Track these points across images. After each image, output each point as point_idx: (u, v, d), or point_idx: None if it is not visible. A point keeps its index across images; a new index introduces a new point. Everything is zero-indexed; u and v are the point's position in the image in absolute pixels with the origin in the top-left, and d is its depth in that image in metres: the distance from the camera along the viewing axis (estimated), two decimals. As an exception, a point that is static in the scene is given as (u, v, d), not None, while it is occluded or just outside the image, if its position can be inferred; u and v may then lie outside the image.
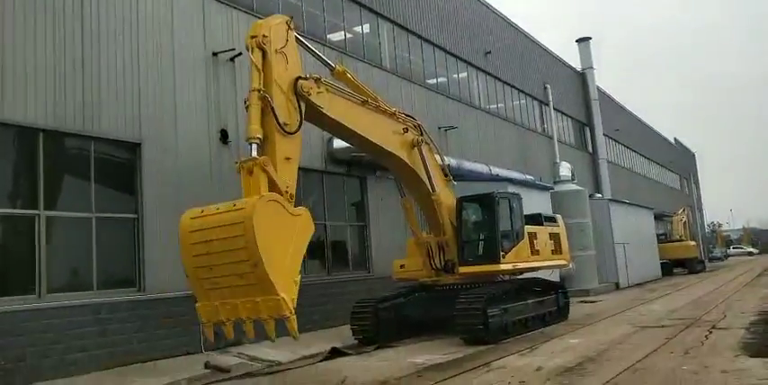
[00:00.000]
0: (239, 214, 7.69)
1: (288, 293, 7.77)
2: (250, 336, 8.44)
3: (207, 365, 10.08)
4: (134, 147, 11.06)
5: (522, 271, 13.98)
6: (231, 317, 8.10)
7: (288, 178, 9.00)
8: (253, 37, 9.26)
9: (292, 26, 9.91)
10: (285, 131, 9.08)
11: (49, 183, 9.73)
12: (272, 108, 8.94)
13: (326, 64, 11.75)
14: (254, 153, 8.61)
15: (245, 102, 9.18)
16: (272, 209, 7.94)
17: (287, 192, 8.79)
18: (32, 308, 9.08)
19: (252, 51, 9.21)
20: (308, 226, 8.47)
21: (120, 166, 11.15)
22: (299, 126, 9.35)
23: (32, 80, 9.56)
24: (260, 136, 8.75)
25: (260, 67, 9.10)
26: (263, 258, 7.52)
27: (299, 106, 9.52)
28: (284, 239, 7.96)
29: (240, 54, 12.76)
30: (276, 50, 9.33)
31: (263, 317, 7.86)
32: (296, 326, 7.84)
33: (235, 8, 13.60)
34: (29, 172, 9.66)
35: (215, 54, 12.81)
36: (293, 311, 7.80)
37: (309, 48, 11.13)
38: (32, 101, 9.53)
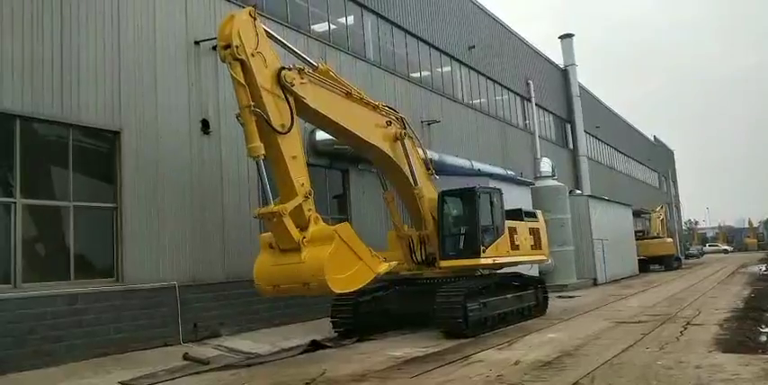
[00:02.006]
0: (320, 292, 9.47)
1: (379, 266, 10.04)
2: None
3: (186, 357, 10.04)
4: (113, 136, 10.88)
5: (501, 265, 14.06)
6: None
7: (300, 176, 9.47)
8: (225, 47, 9.07)
9: (256, 15, 9.72)
10: (282, 133, 9.29)
11: (25, 170, 9.54)
12: (267, 119, 9.09)
13: (307, 62, 11.64)
14: (263, 171, 9.10)
15: (237, 119, 9.33)
16: (334, 263, 9.08)
17: (306, 194, 9.41)
18: (7, 298, 8.92)
19: (230, 66, 9.10)
20: (347, 232, 9.59)
21: (98, 155, 10.97)
22: (292, 120, 9.45)
23: (9, 65, 9.33)
24: (263, 152, 9.03)
25: (243, 81, 9.07)
26: (358, 286, 9.71)
27: (288, 100, 9.54)
28: (352, 258, 9.61)
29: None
30: (252, 54, 9.26)
31: None
32: (396, 264, 11.05)
33: (218, -4, 13.41)
34: (5, 159, 9.45)
35: (197, 43, 12.64)
36: (390, 263, 10.53)
37: (286, 45, 11.01)
38: (8, 86, 9.32)
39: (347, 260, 9.40)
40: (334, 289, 9.12)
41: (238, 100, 9.16)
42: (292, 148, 9.48)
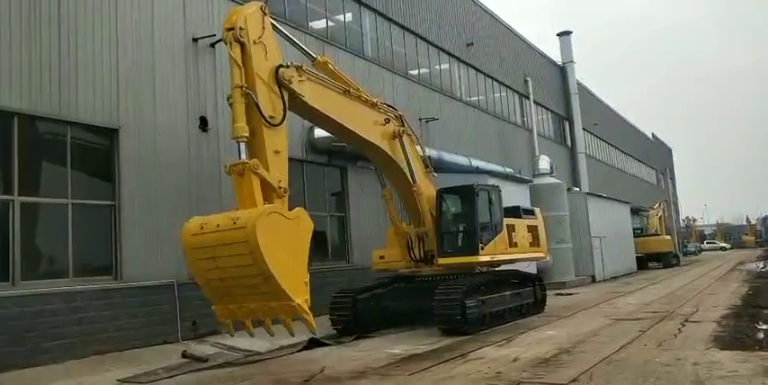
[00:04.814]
0: (243, 233, 7.91)
1: (301, 297, 8.26)
2: (272, 335, 9.16)
3: (184, 354, 10.04)
4: (111, 133, 10.88)
5: (500, 263, 14.07)
6: (249, 317, 8.76)
7: (279, 172, 9.11)
8: (229, 29, 9.16)
9: (267, 12, 9.79)
10: (271, 124, 9.11)
11: (24, 168, 9.54)
12: (257, 103, 8.94)
13: (307, 54, 11.66)
14: (243, 152, 8.69)
15: (227, 99, 9.20)
16: (273, 221, 8.16)
17: (280, 187, 8.92)
18: (6, 296, 8.92)
19: (230, 46, 9.12)
20: (307, 225, 8.77)
21: (97, 153, 10.97)
22: (284, 116, 9.35)
23: (6, 62, 9.32)
24: (247, 134, 8.80)
25: (240, 62, 9.06)
26: (273, 271, 7.91)
27: (282, 96, 9.47)
28: (289, 246, 8.31)
29: (221, 40, 12.58)
30: (254, 41, 9.29)
31: (281, 317, 8.51)
32: (313, 323, 8.50)
33: (216, -6, 13.39)
34: (3, 156, 9.44)
35: (195, 40, 12.63)
36: (309, 312, 8.33)
37: (290, 38, 11.04)
38: (6, 83, 9.31)
39: (287, 244, 8.22)
40: (259, 235, 7.73)
41: (231, 79, 9.06)
42: (277, 143, 9.21)
